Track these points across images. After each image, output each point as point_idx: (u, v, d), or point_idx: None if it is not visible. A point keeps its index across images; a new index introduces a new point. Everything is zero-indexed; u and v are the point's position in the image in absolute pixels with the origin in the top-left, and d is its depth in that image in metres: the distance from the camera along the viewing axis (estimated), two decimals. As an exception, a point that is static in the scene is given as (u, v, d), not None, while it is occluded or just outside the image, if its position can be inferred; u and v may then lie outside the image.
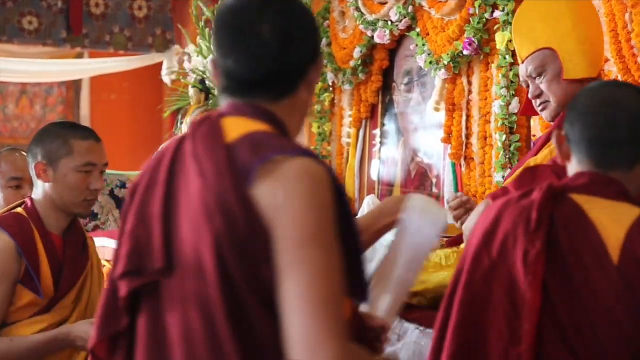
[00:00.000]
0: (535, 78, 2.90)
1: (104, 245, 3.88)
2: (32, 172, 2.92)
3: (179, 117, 5.96)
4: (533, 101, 2.95)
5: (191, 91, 5.70)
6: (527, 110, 3.14)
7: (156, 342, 1.52)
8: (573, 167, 1.88)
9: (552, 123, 2.96)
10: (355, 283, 1.50)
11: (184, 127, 5.73)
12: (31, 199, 2.93)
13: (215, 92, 5.60)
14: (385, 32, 4.89)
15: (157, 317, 1.53)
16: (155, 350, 1.52)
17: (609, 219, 1.76)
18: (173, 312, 1.50)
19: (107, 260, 3.63)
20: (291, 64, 1.57)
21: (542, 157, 2.81)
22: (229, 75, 1.61)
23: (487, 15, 4.21)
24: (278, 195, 1.44)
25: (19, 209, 2.93)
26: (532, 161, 2.83)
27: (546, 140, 2.88)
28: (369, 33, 5.01)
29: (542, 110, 2.92)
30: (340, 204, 1.48)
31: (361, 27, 5.03)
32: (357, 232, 1.52)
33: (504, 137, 4.07)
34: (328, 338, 1.37)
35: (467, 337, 1.76)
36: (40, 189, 2.91)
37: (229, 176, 1.47)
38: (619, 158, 1.83)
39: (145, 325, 1.54)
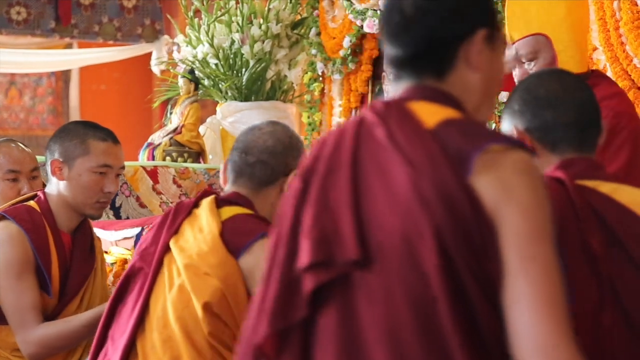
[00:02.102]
0: (524, 63, 2.82)
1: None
2: (48, 169, 2.89)
3: (169, 107, 5.95)
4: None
5: (181, 81, 5.69)
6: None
7: (350, 339, 1.42)
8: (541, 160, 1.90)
9: None
10: None
11: (174, 118, 5.72)
12: (44, 194, 2.90)
13: (205, 82, 5.60)
14: (374, 21, 4.89)
15: (349, 311, 1.42)
16: (350, 347, 1.41)
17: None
18: (373, 307, 1.40)
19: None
20: (435, 37, 1.51)
21: None
22: (388, 58, 1.56)
23: (476, 4, 4.22)
24: (503, 189, 1.38)
25: (31, 202, 2.90)
26: None
27: None
28: (358, 22, 5.00)
29: None
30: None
31: (351, 16, 5.03)
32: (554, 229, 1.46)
33: (493, 125, 4.09)
34: (561, 340, 1.33)
35: None
36: (54, 186, 2.88)
37: (446, 164, 1.40)
38: (592, 140, 1.88)
39: (333, 321, 1.43)
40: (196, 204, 2.47)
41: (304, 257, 1.43)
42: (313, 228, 1.44)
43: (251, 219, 2.50)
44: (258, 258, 2.39)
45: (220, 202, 2.47)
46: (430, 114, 1.47)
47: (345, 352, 1.42)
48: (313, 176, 1.49)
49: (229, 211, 2.46)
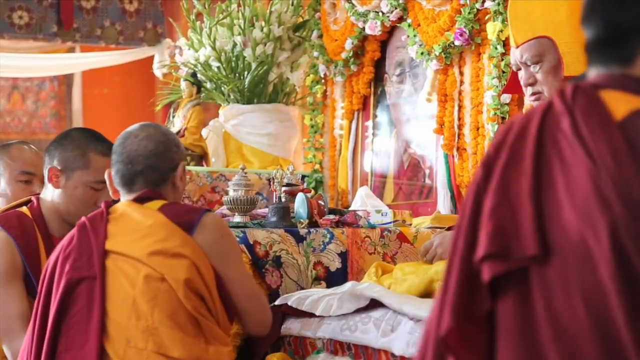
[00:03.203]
0: (529, 66, 2.80)
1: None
2: (45, 174, 2.87)
3: (171, 110, 5.94)
4: (525, 88, 2.85)
5: (183, 85, 5.68)
6: (511, 89, 3.10)
7: (528, 335, 1.37)
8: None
9: None
10: None
11: (176, 121, 5.72)
12: (38, 199, 2.88)
13: (208, 85, 5.59)
14: (376, 23, 4.88)
15: (527, 306, 1.37)
16: (528, 344, 1.36)
17: None
18: (549, 304, 1.35)
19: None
20: (613, 24, 1.45)
21: None
22: (585, 43, 1.51)
23: (478, 5, 4.21)
24: None
25: (24, 208, 2.88)
26: None
27: None
28: (360, 24, 5.00)
29: (534, 100, 2.82)
30: None
31: (352, 18, 5.02)
32: None
33: (496, 127, 4.07)
34: None
35: None
36: (49, 192, 2.86)
37: (630, 160, 1.32)
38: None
39: (511, 314, 1.39)
40: (108, 212, 2.52)
41: (481, 248, 1.39)
42: (491, 219, 1.40)
43: (180, 203, 2.55)
44: (209, 234, 2.45)
45: (139, 201, 2.51)
46: (621, 104, 1.39)
47: (523, 348, 1.36)
48: (495, 164, 1.44)
49: (154, 204, 2.51)
